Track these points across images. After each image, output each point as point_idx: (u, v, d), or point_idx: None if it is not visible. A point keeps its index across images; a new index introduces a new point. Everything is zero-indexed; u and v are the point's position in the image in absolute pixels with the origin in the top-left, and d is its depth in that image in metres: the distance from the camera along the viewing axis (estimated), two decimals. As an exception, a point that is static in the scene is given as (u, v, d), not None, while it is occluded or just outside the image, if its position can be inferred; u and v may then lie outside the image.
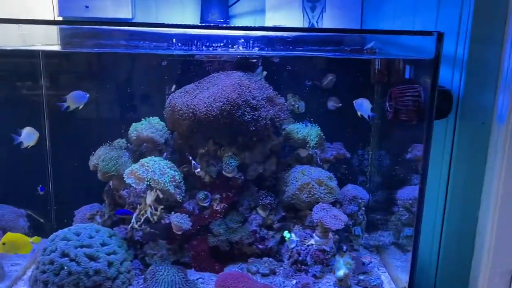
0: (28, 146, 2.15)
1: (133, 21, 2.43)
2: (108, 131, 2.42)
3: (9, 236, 1.96)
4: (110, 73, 2.43)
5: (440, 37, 1.72)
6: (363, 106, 2.23)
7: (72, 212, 2.39)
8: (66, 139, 2.44)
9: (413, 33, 1.89)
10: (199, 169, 2.11)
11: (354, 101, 2.26)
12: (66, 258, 1.94)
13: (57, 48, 2.19)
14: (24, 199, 2.37)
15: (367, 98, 2.45)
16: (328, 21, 2.63)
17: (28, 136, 2.14)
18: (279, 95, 2.22)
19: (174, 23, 2.39)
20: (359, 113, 2.25)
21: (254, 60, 2.29)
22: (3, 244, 1.93)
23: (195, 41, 2.14)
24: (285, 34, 2.18)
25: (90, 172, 2.27)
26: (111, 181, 2.28)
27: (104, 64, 2.43)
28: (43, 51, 2.34)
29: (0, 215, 2.26)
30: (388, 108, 1.92)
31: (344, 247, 2.08)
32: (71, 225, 2.30)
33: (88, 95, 2.19)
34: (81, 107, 2.19)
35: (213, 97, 2.04)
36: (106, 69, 2.44)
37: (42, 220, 2.27)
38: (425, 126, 1.80)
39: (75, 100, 2.16)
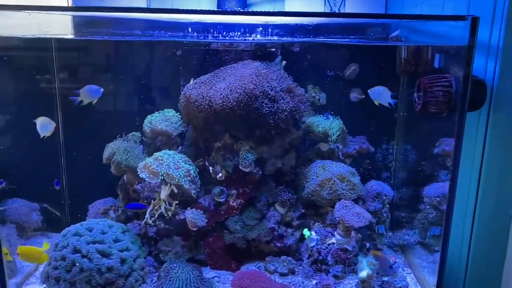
0: (45, 136, 2.10)
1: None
2: (122, 123, 2.35)
3: (22, 249, 1.91)
4: (123, 64, 2.36)
5: (474, 22, 1.59)
6: (381, 94, 2.11)
7: (86, 206, 2.34)
8: (80, 132, 2.38)
9: (445, 18, 1.76)
10: (220, 174, 2.05)
11: (369, 90, 2.13)
12: (78, 254, 1.88)
13: (70, 36, 2.14)
14: (38, 193, 2.33)
15: (393, 90, 2.33)
16: (350, 8, 2.51)
17: (43, 127, 2.08)
18: (298, 86, 2.11)
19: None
20: (376, 103, 2.13)
21: (273, 49, 2.19)
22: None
23: (212, 30, 2.06)
24: (305, 22, 2.07)
25: (104, 165, 2.21)
26: (125, 175, 2.22)
27: (117, 55, 2.36)
28: (56, 42, 2.28)
29: (14, 209, 2.23)
30: (417, 100, 1.80)
31: (367, 245, 1.98)
32: (84, 220, 2.26)
33: (102, 89, 2.12)
34: (95, 101, 2.13)
35: (229, 88, 1.95)
36: (120, 60, 2.37)
37: (55, 214, 2.22)
38: (457, 119, 1.67)
39: (89, 94, 2.10)
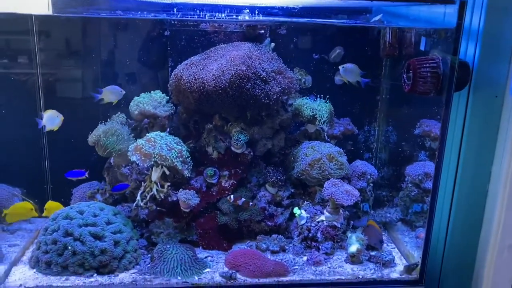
0: (53, 130, 2.03)
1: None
2: (107, 105, 2.30)
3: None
4: (109, 45, 2.30)
5: (462, 5, 1.67)
6: (352, 72, 2.15)
7: (69, 191, 2.29)
8: (62, 114, 2.31)
9: (435, 2, 1.82)
10: (243, 199, 2.05)
11: (340, 67, 2.16)
12: (70, 238, 1.85)
13: (49, 13, 2.07)
14: (19, 177, 2.25)
15: (377, 72, 2.41)
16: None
17: (51, 120, 2.01)
18: (288, 68, 2.14)
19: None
20: (345, 80, 2.18)
21: (262, 31, 2.20)
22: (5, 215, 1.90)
23: (198, 11, 2.05)
24: (291, 4, 2.10)
25: (87, 149, 2.15)
26: (112, 158, 2.18)
27: (102, 34, 2.29)
28: (36, 21, 2.19)
29: (-6, 193, 2.14)
30: (406, 80, 1.87)
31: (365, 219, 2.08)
32: (68, 204, 2.21)
33: (124, 92, 2.09)
34: (114, 102, 2.09)
35: (221, 69, 1.95)
36: (104, 40, 2.30)
37: (87, 174, 2.13)
38: (445, 98, 1.76)
39: (111, 94, 2.06)
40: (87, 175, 2.10)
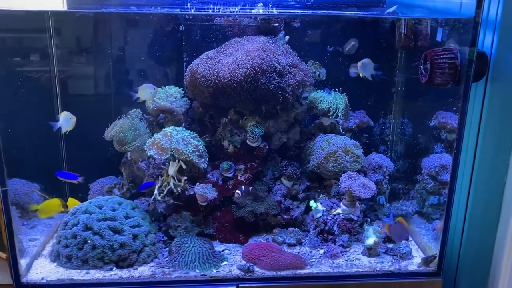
0: (67, 131, 2.04)
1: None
2: (122, 101, 2.32)
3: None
4: (122, 40, 2.31)
5: (481, -7, 1.65)
6: (366, 67, 2.15)
7: (86, 185, 2.32)
8: (79, 109, 2.34)
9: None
10: (242, 187, 2.03)
11: (358, 63, 2.15)
12: (90, 232, 1.88)
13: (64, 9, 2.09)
14: (37, 173, 2.28)
15: (392, 64, 2.39)
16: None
17: (66, 121, 2.03)
18: (303, 61, 2.14)
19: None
20: (361, 75, 2.17)
21: (276, 25, 2.20)
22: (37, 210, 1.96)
23: (211, 6, 2.05)
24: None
25: (103, 144, 2.18)
26: (129, 153, 2.20)
27: (116, 30, 2.31)
28: (52, 18, 2.21)
29: (14, 189, 2.17)
30: (423, 71, 1.86)
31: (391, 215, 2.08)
32: (86, 199, 2.24)
33: (157, 89, 2.10)
34: (148, 100, 2.11)
35: (237, 63, 1.95)
36: (120, 36, 2.31)
37: (80, 179, 2.14)
38: (463, 89, 1.74)
39: (145, 93, 2.06)
40: (80, 181, 2.10)
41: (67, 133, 2.04)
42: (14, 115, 2.24)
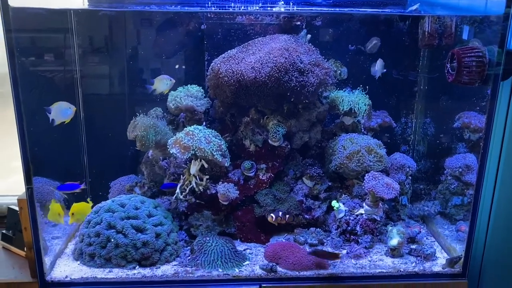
0: (64, 122, 1.93)
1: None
2: (142, 99, 2.32)
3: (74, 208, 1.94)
4: (144, 39, 2.31)
5: (511, -7, 1.62)
6: (377, 66, 2.20)
7: (107, 184, 2.32)
8: (100, 109, 2.35)
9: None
10: (287, 216, 2.00)
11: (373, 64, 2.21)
12: (113, 230, 1.88)
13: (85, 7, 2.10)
14: (58, 172, 2.29)
15: (414, 63, 2.37)
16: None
17: (60, 112, 1.90)
18: (325, 60, 2.12)
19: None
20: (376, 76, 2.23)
21: (298, 23, 2.18)
22: (72, 214, 1.90)
23: (232, 4, 2.05)
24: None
25: (123, 143, 2.18)
26: (150, 152, 2.20)
27: (137, 29, 2.31)
28: (75, 17, 2.21)
29: (36, 188, 2.18)
30: (450, 70, 1.83)
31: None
32: (106, 198, 2.25)
33: (173, 81, 2.10)
34: (166, 92, 2.10)
35: (260, 62, 1.94)
36: (141, 35, 2.32)
37: (83, 185, 2.12)
38: (491, 88, 1.72)
39: (161, 85, 2.06)
40: (83, 186, 2.05)
41: (65, 123, 1.92)
42: (33, 113, 2.25)
